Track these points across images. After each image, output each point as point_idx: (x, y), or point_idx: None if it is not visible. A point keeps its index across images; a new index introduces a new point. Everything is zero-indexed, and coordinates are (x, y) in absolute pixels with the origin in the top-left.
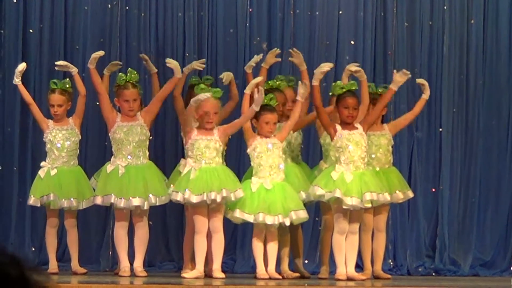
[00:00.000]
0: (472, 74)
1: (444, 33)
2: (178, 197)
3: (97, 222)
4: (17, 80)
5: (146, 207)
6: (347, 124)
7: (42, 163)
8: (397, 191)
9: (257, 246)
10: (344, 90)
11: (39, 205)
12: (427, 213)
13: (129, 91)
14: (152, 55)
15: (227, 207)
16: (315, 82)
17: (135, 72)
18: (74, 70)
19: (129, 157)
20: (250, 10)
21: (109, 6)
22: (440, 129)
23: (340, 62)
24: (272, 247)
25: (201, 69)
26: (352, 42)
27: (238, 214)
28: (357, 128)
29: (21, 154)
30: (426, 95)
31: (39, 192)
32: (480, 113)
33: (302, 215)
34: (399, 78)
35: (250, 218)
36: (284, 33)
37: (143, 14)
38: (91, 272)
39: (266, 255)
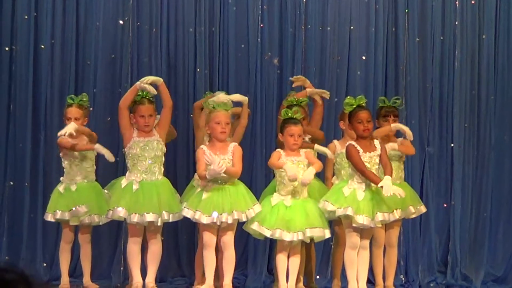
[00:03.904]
0: (484, 89)
1: (455, 48)
2: (189, 214)
3: (109, 237)
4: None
5: (159, 223)
6: (363, 139)
7: (62, 178)
8: (410, 206)
9: (280, 261)
10: (353, 106)
11: (58, 218)
12: (439, 228)
13: (145, 107)
14: (163, 70)
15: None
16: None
17: None
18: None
19: (144, 174)
20: (262, 25)
21: (121, 22)
22: (452, 144)
23: (351, 77)
24: (294, 262)
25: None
26: (364, 58)
27: (256, 227)
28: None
29: (32, 170)
30: (410, 137)
31: (57, 207)
32: (491, 128)
33: (318, 233)
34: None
35: (267, 233)
36: (295, 48)
37: (154, 30)
38: (102, 287)
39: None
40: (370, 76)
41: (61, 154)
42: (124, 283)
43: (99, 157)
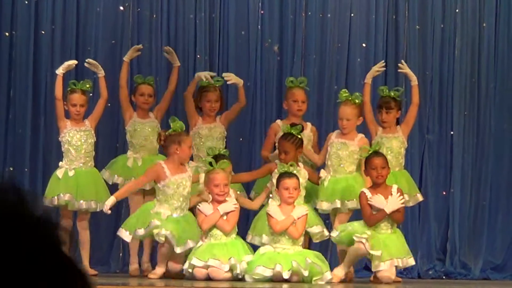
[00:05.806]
0: (484, 77)
1: (456, 36)
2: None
3: (107, 223)
4: (61, 71)
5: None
6: (378, 186)
7: (60, 163)
8: (404, 194)
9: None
10: (370, 152)
11: (56, 204)
12: (438, 216)
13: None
14: (163, 56)
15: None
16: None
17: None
18: (101, 72)
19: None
20: (262, 12)
21: (121, 7)
22: (451, 132)
23: (351, 64)
24: None
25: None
26: (364, 45)
27: (249, 278)
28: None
29: (32, 156)
30: (414, 81)
31: (56, 191)
32: (491, 116)
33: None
34: None
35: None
36: (295, 35)
37: (154, 16)
38: (101, 273)
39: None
40: (370, 64)
41: (61, 138)
42: (123, 269)
43: (99, 143)
